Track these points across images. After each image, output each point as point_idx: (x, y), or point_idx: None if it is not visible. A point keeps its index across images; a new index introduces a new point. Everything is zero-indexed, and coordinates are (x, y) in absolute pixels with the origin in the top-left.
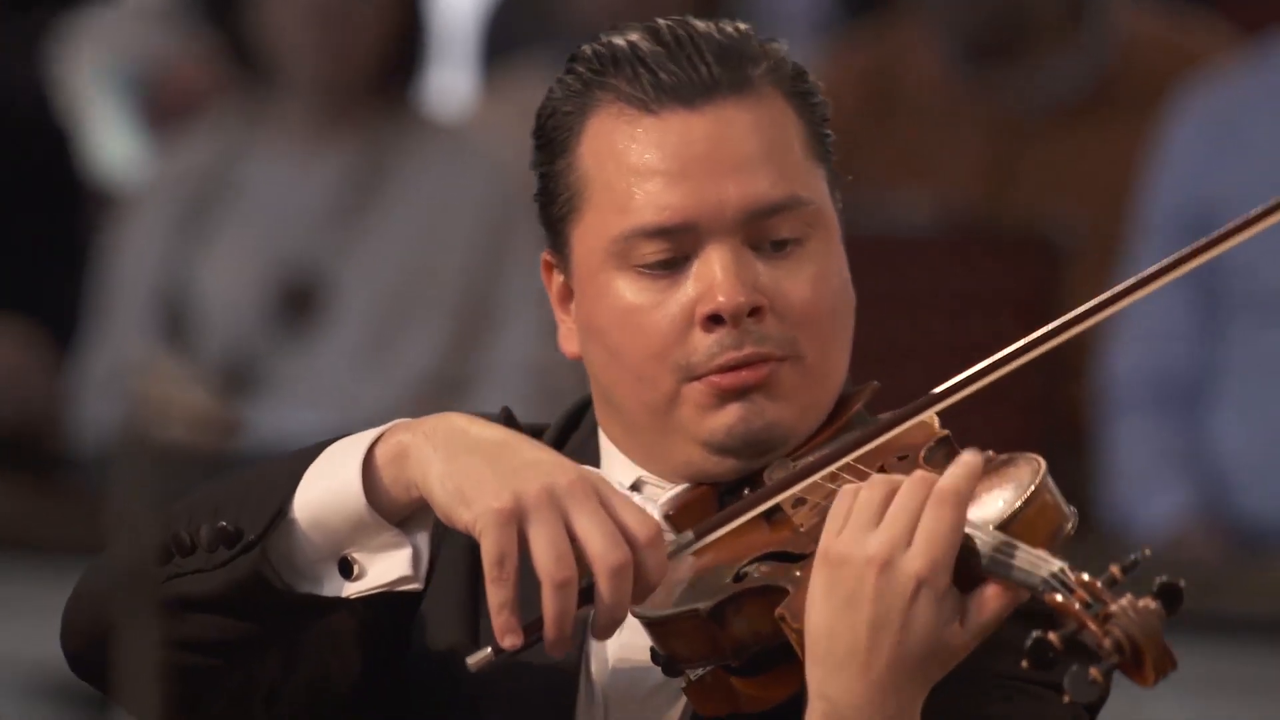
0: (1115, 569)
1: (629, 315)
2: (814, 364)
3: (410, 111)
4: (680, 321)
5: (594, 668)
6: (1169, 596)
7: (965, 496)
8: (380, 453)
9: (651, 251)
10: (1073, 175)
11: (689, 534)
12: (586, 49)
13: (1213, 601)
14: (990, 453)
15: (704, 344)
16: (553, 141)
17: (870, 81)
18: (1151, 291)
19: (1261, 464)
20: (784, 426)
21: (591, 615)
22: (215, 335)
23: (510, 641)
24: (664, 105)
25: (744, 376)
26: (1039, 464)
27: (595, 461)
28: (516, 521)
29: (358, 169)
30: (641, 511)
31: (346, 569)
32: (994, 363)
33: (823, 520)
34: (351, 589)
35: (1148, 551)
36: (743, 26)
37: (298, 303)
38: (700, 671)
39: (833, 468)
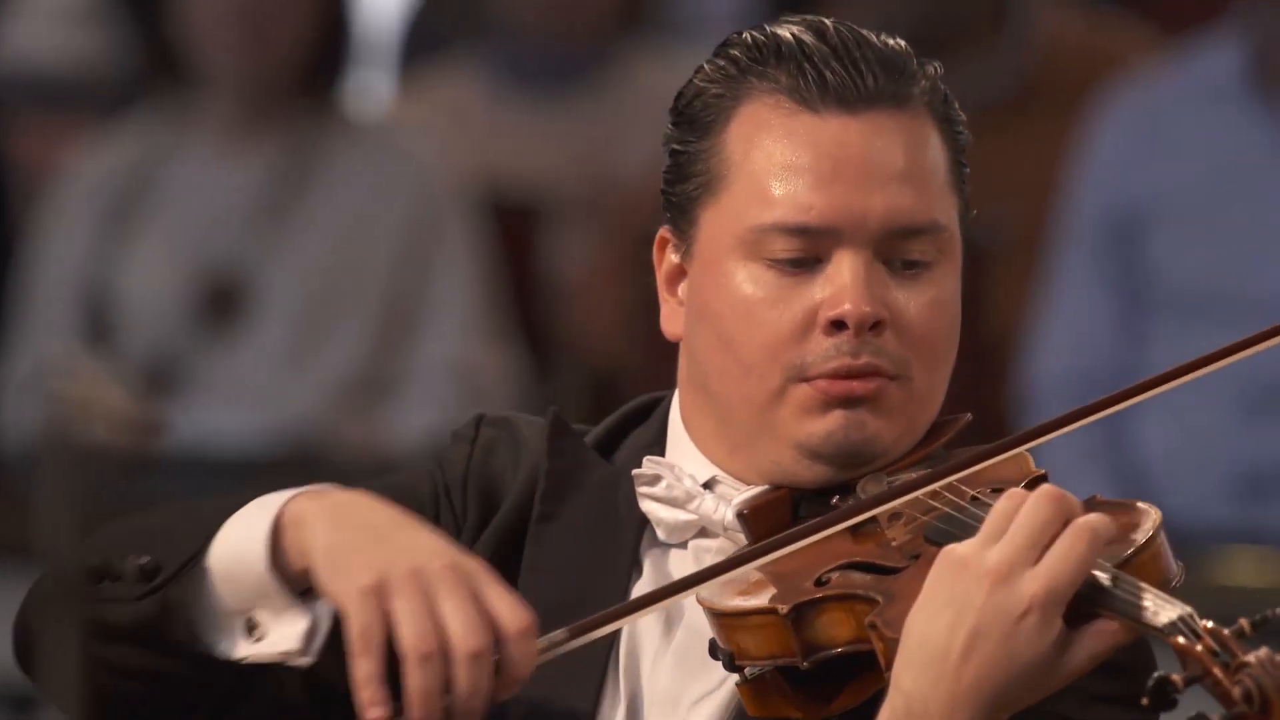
0: (1244, 622)
1: (750, 305)
2: (920, 387)
3: (334, 111)
4: (802, 321)
5: (622, 662)
6: None
7: (1104, 539)
8: (286, 514)
9: (785, 247)
10: (997, 177)
11: (563, 632)
12: (746, 35)
13: None
14: (1099, 496)
15: (821, 347)
16: (696, 121)
17: None
18: (1073, 301)
19: (1182, 465)
20: (882, 443)
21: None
22: (138, 335)
23: (375, 714)
24: (825, 105)
25: (854, 386)
26: (1156, 513)
27: (662, 454)
28: (379, 598)
29: (281, 169)
30: (516, 604)
31: (252, 628)
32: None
33: (916, 537)
34: (247, 651)
35: (1279, 611)
36: (903, 43)
37: (221, 303)
38: (759, 670)
39: (933, 486)
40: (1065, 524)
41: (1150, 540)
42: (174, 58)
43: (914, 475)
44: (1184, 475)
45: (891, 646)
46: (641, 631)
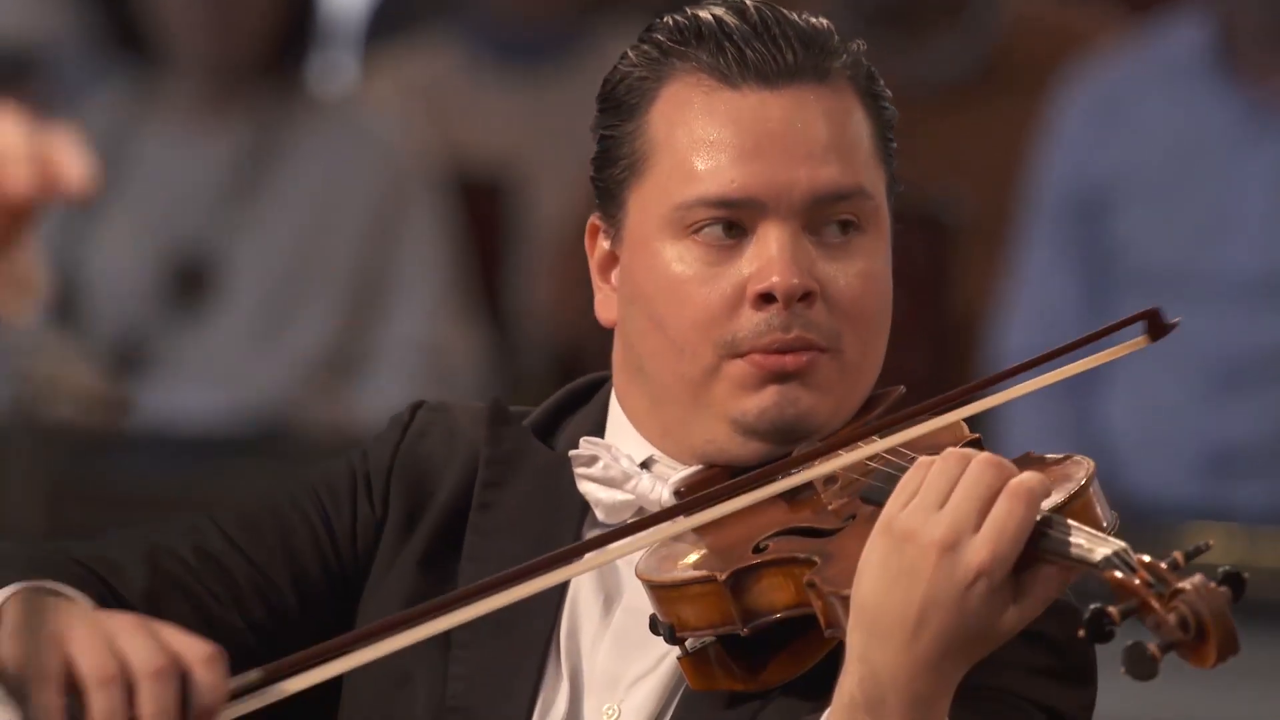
0: (1179, 554)
1: (678, 284)
2: (853, 360)
3: (300, 90)
4: (731, 296)
5: (563, 642)
6: (1235, 583)
7: (1041, 498)
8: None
9: (710, 222)
10: (962, 154)
11: (257, 673)
12: (668, 19)
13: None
14: (1033, 452)
15: (751, 321)
16: (621, 105)
17: None
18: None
19: (1149, 442)
20: (816, 417)
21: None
22: (105, 314)
23: None
24: (745, 81)
25: (786, 361)
26: (1089, 463)
27: (602, 436)
28: (56, 645)
29: (248, 148)
30: (194, 638)
31: None
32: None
33: (852, 500)
34: None
35: (1211, 542)
36: (825, 21)
37: (188, 281)
38: (701, 643)
39: (866, 449)
40: (1004, 487)
41: (1082, 489)
42: (140, 36)
43: (845, 434)
44: (1151, 452)
45: (830, 604)
46: (581, 613)
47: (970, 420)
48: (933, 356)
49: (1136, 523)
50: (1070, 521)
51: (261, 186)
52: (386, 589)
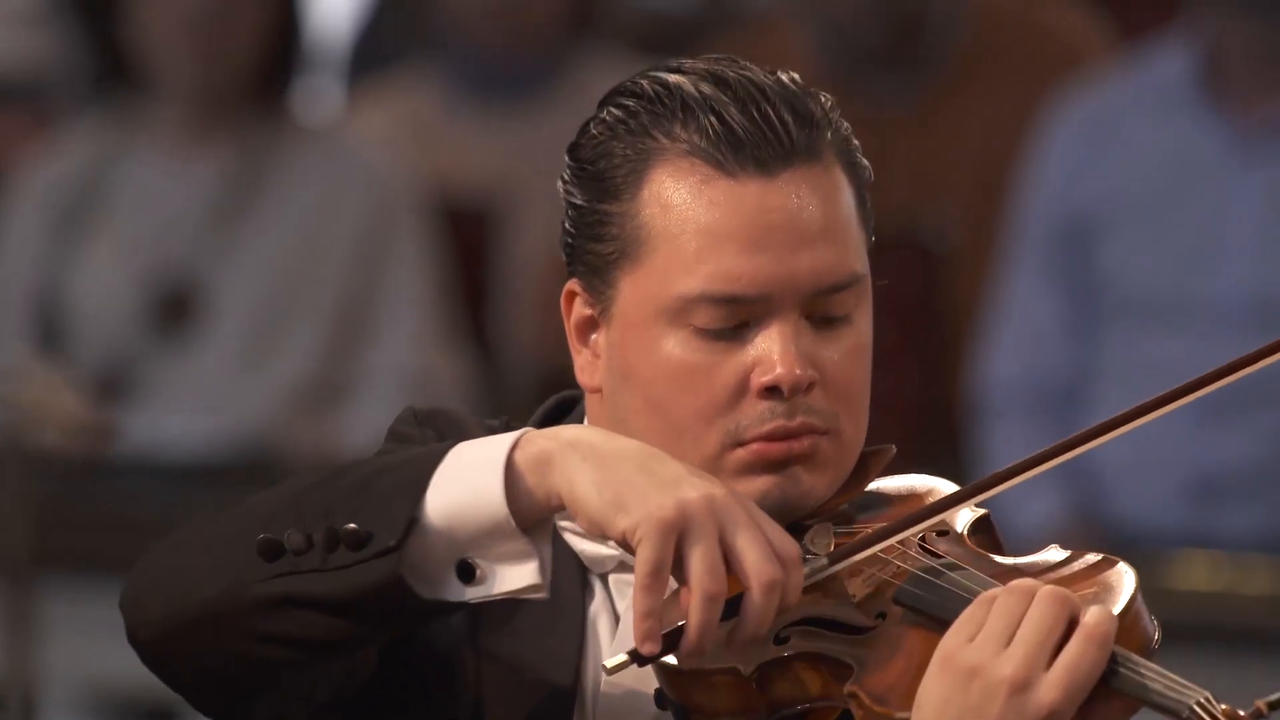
0: (1261, 704)
1: (681, 373)
2: (848, 437)
3: (286, 118)
4: (735, 387)
5: (588, 691)
6: None
7: (1113, 639)
8: (521, 459)
9: (714, 316)
10: (941, 165)
11: (823, 559)
12: (643, 84)
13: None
14: (1058, 546)
15: (756, 410)
16: (603, 180)
17: None
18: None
19: (1134, 469)
20: (815, 496)
21: (729, 628)
22: (90, 340)
23: (649, 649)
24: (742, 168)
25: (791, 447)
26: (1132, 575)
27: None
28: (678, 532)
29: (234, 174)
30: (784, 532)
31: (467, 573)
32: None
33: (877, 592)
34: (474, 594)
35: None
36: (797, 77)
37: (174, 308)
38: None
39: (903, 535)
40: (1071, 623)
41: (1130, 604)
42: (127, 62)
43: (870, 530)
44: (1136, 479)
45: (875, 718)
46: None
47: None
48: (919, 383)
49: (1123, 549)
50: (1139, 658)
51: (247, 213)
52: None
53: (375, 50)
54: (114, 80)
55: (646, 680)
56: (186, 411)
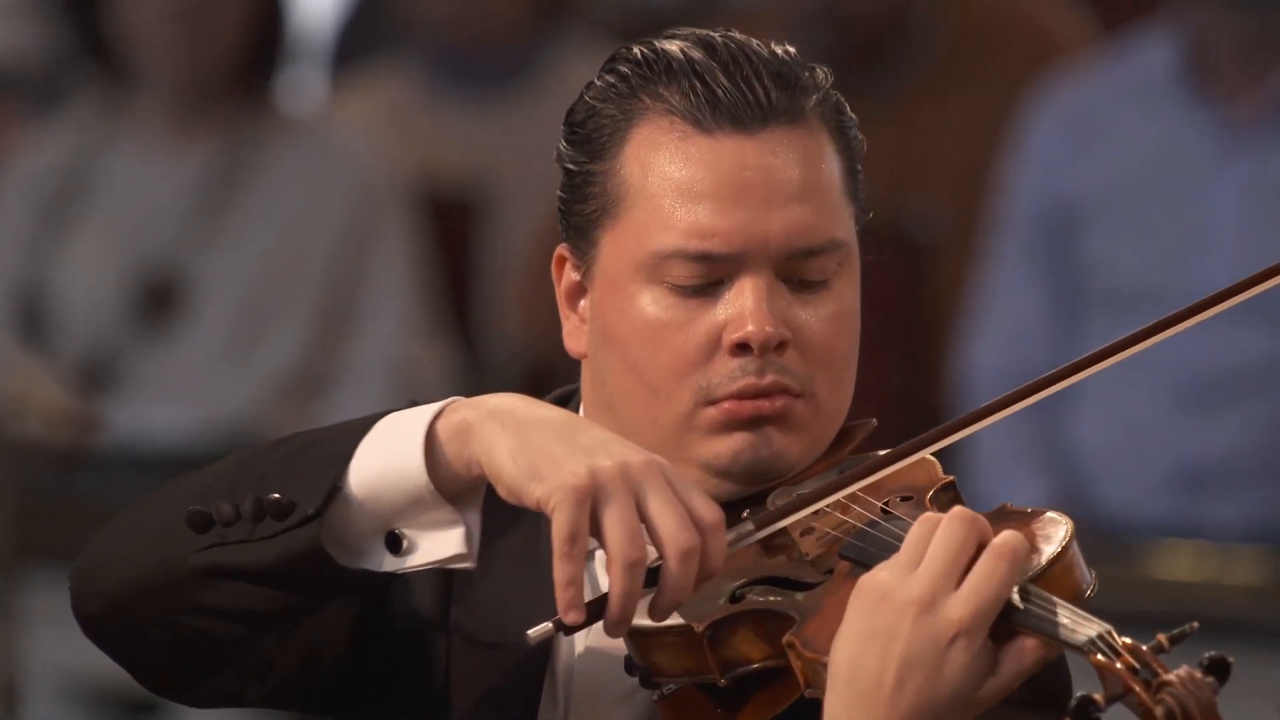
0: (1163, 638)
1: (655, 330)
2: (825, 401)
3: (269, 108)
4: (706, 344)
5: (559, 667)
6: (1220, 670)
7: (1022, 557)
8: (442, 428)
9: (687, 273)
10: (925, 158)
11: (749, 524)
12: (635, 50)
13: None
14: (1009, 504)
15: (727, 368)
16: (591, 141)
17: None
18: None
19: (1118, 458)
20: (789, 459)
21: (650, 598)
22: (74, 332)
23: (573, 618)
24: (719, 126)
25: (761, 405)
26: (1068, 523)
27: None
28: (591, 499)
29: (218, 165)
30: (706, 498)
31: (394, 544)
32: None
33: (829, 551)
34: (398, 564)
35: (1195, 625)
36: (792, 50)
37: (158, 299)
38: (677, 686)
39: (839, 495)
40: (980, 546)
41: (1062, 552)
42: (110, 53)
43: (821, 485)
44: (1120, 469)
45: (810, 666)
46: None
47: (943, 452)
48: (903, 373)
49: (1106, 540)
50: (1051, 596)
51: (231, 204)
52: (404, 602)
53: (358, 41)
54: (98, 71)
55: (618, 649)
56: (171, 402)
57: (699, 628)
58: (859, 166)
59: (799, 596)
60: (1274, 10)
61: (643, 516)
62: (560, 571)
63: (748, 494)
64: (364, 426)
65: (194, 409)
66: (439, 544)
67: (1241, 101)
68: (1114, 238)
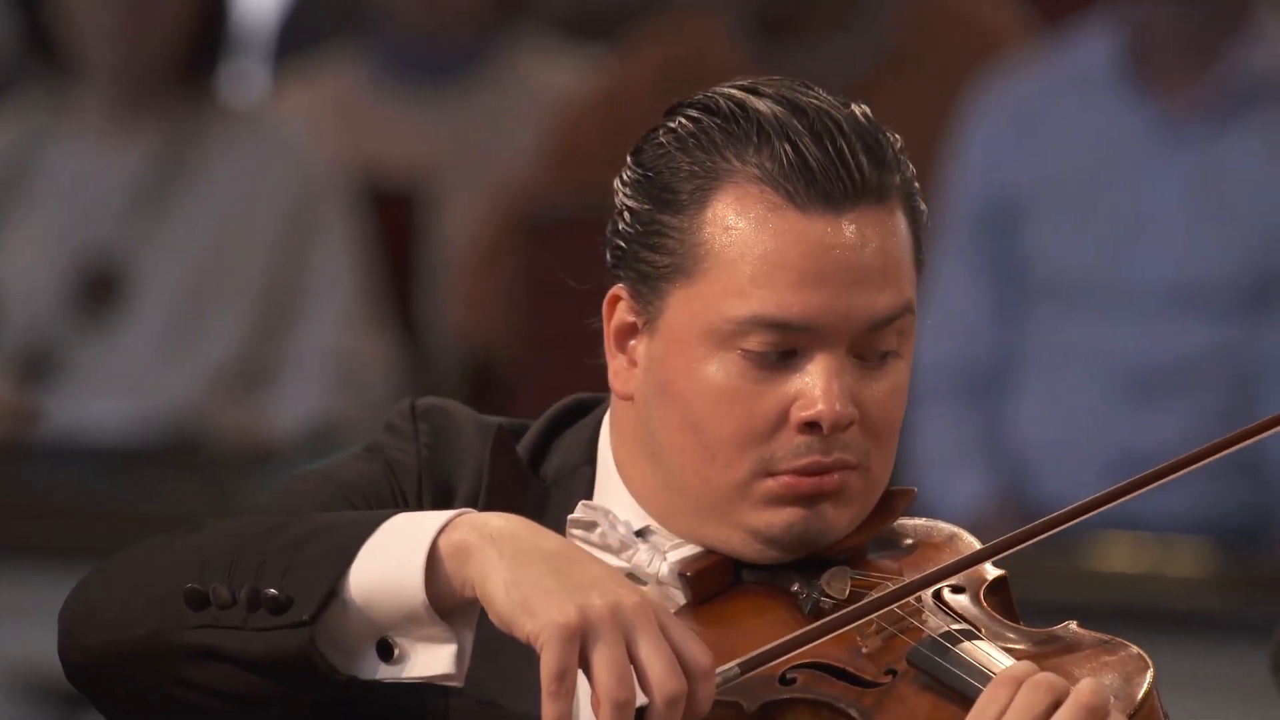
0: None
1: (721, 395)
2: (877, 474)
3: (212, 100)
4: (774, 417)
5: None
6: None
7: (1102, 716)
8: (444, 545)
9: (762, 342)
10: None
11: (734, 668)
12: (721, 102)
13: (1011, 588)
14: (1076, 624)
15: (792, 443)
16: (668, 191)
17: (670, 72)
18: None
19: (1060, 451)
20: (838, 530)
21: None
22: (14, 323)
23: None
24: (811, 203)
25: (823, 483)
26: (1148, 662)
27: (588, 486)
28: (580, 637)
29: (160, 156)
30: (697, 642)
31: (386, 651)
32: (1069, 513)
33: (889, 647)
34: (389, 673)
35: None
36: (869, 112)
37: (98, 290)
38: None
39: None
40: (1055, 706)
41: (1146, 695)
42: (51, 44)
43: (889, 582)
44: (1060, 460)
45: None
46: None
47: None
48: None
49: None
50: None
51: (172, 195)
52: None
53: (301, 33)
54: (39, 62)
55: None
56: (111, 395)
57: (749, 707)
58: (923, 236)
59: (861, 697)
60: (1213, 2)
61: (632, 658)
62: (548, 709)
63: (787, 561)
64: (370, 525)
65: (134, 401)
66: (430, 659)
67: (1182, 93)
68: (1056, 230)
